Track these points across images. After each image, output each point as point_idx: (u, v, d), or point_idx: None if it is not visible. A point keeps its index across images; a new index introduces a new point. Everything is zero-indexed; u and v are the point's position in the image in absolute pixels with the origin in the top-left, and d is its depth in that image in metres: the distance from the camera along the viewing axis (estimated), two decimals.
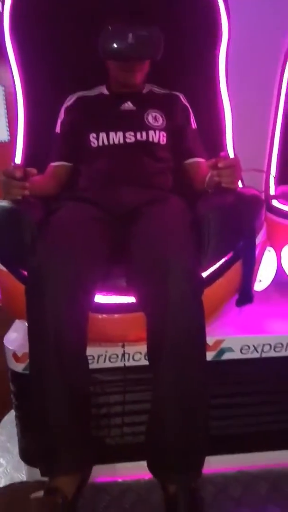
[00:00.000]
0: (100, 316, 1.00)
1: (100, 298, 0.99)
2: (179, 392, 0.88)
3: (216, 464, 1.11)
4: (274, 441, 1.22)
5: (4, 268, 1.03)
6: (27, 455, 1.21)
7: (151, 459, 0.95)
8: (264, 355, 1.13)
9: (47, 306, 0.87)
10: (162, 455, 0.92)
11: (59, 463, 0.90)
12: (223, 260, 1.01)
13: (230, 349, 1.12)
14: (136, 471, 1.16)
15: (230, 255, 1.01)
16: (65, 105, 1.36)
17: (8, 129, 4.22)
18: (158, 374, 0.90)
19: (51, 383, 0.89)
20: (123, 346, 1.07)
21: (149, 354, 0.94)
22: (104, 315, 1.00)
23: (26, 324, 1.18)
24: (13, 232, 0.99)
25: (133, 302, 0.99)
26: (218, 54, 1.39)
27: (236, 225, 0.98)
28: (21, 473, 1.27)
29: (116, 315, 1.00)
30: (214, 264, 1.00)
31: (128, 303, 1.00)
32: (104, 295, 0.99)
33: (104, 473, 1.16)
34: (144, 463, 1.02)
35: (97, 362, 1.10)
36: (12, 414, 1.51)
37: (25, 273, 0.99)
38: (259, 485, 1.16)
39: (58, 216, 1.04)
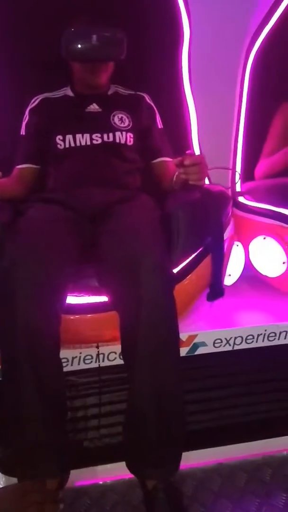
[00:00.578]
0: (72, 317, 0.99)
1: (72, 299, 0.99)
2: (154, 389, 0.89)
3: (194, 459, 1.13)
4: (250, 432, 1.24)
5: None
6: (3, 464, 1.18)
7: (128, 457, 0.96)
8: (236, 347, 1.16)
9: (18, 309, 0.85)
10: (139, 451, 0.92)
11: (36, 472, 0.89)
12: (192, 255, 1.03)
13: (203, 344, 1.13)
14: (116, 472, 1.16)
15: (199, 250, 1.03)
16: (29, 107, 1.35)
17: None
18: (133, 371, 0.91)
19: (24, 389, 0.87)
20: (97, 346, 1.06)
21: (123, 352, 0.95)
22: (77, 316, 0.99)
23: None
24: None
25: (105, 302, 0.99)
26: (181, 53, 1.41)
27: (204, 221, 1.00)
28: None
29: (89, 315, 1.00)
30: (184, 260, 1.02)
31: (100, 303, 1.00)
32: (76, 295, 0.99)
33: (84, 477, 1.15)
34: (123, 464, 1.03)
35: (71, 364, 1.08)
36: None
37: None
38: (238, 476, 1.19)
39: (27, 217, 1.03)
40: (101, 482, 1.18)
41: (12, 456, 0.95)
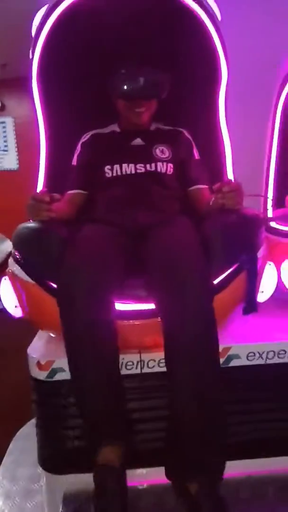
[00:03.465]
0: (120, 323, 1.09)
1: (121, 306, 1.10)
2: (198, 395, 0.96)
3: (226, 470, 1.16)
4: (280, 447, 1.26)
5: (32, 281, 1.14)
6: (47, 463, 1.26)
7: (171, 463, 1.03)
8: (268, 361, 1.21)
9: (78, 307, 0.98)
10: (183, 456, 0.99)
11: (101, 437, 1.00)
12: (228, 271, 1.12)
13: (237, 356, 1.20)
14: (152, 476, 1.22)
15: (234, 267, 1.12)
16: (81, 141, 1.52)
17: (18, 159, 4.45)
18: (176, 376, 0.99)
19: (89, 370, 1.00)
20: (139, 352, 1.15)
21: (166, 357, 1.03)
22: (125, 322, 1.10)
23: (50, 334, 1.29)
24: (43, 248, 1.11)
25: (150, 309, 1.09)
26: (218, 92, 1.54)
27: (239, 240, 1.10)
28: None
29: (135, 321, 1.10)
30: (221, 275, 1.12)
31: (146, 310, 1.10)
32: (124, 303, 1.10)
33: None
34: (159, 469, 1.09)
35: None
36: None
37: (53, 285, 1.10)
38: (267, 489, 1.22)
39: (82, 234, 1.18)
40: (138, 485, 1.25)
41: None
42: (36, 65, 1.45)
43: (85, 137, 1.52)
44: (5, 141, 4.21)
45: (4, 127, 4.21)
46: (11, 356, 2.96)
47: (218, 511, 0.94)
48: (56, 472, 1.24)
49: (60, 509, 1.21)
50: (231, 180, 1.24)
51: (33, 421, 1.86)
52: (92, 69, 1.54)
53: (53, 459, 1.25)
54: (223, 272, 1.11)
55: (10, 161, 4.23)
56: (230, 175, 1.54)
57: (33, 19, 1.49)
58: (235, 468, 1.21)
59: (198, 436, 0.97)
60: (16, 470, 1.57)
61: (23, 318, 1.25)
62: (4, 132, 4.22)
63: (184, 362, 0.97)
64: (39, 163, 1.59)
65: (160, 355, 1.12)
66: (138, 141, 1.47)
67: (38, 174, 1.57)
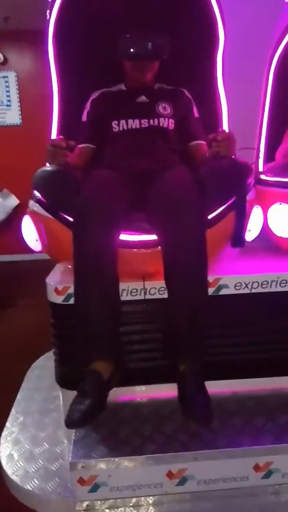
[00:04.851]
0: (127, 251, 1.28)
1: (127, 237, 1.28)
2: (188, 302, 1.18)
3: (214, 388, 1.27)
4: (261, 369, 1.45)
5: (51, 217, 1.32)
6: (64, 380, 1.45)
7: (168, 352, 1.26)
8: (253, 290, 1.39)
9: (89, 233, 1.17)
10: (175, 345, 1.21)
11: (97, 349, 1.19)
12: (220, 209, 1.30)
13: (226, 286, 1.37)
14: (151, 392, 1.43)
15: (226, 205, 1.30)
16: (91, 99, 1.67)
17: (21, 113, 4.40)
18: (172, 288, 1.19)
19: (91, 289, 1.18)
20: (143, 280, 1.33)
21: (165, 275, 1.22)
22: (130, 250, 1.28)
23: (67, 266, 1.47)
24: (60, 187, 1.29)
25: (153, 239, 1.27)
26: (216, 55, 1.69)
27: (230, 180, 1.28)
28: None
29: (139, 250, 1.28)
30: (213, 212, 1.29)
31: (148, 240, 1.28)
32: (130, 234, 1.28)
33: (125, 394, 1.42)
34: (157, 386, 1.28)
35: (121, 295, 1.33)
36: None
37: (69, 218, 1.28)
38: (248, 402, 1.43)
39: (93, 174, 1.35)
40: (138, 399, 1.46)
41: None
42: (52, 25, 1.59)
43: (94, 95, 1.67)
44: (8, 96, 4.09)
45: (6, 81, 4.08)
46: (24, 304, 3.24)
47: (197, 380, 1.18)
48: (71, 387, 1.37)
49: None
50: (224, 130, 1.39)
51: (47, 354, 2.12)
52: (101, 32, 1.67)
53: (68, 376, 1.42)
54: (215, 209, 1.29)
55: (13, 116, 4.11)
56: (225, 128, 1.70)
57: None
58: (222, 387, 1.44)
59: (186, 331, 1.18)
60: (34, 393, 1.80)
61: (42, 251, 1.43)
62: (7, 87, 4.09)
63: (179, 277, 1.17)
64: (43, 119, 1.72)
65: (160, 283, 1.30)
66: (142, 98, 1.62)
67: (41, 129, 1.70)
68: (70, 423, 1.10)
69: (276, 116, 1.76)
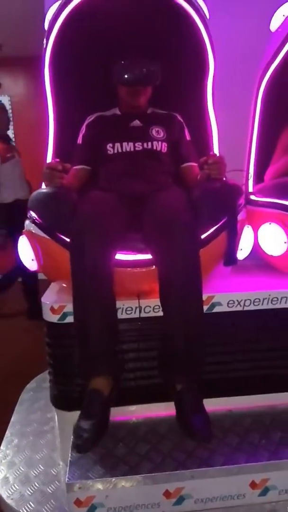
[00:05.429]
0: (122, 270, 1.30)
1: (122, 256, 1.31)
2: (184, 320, 1.20)
3: (209, 406, 1.28)
4: (255, 386, 1.47)
5: (48, 237, 1.34)
6: (59, 401, 1.44)
7: (165, 372, 1.26)
8: (246, 308, 1.41)
9: (87, 255, 1.19)
10: (172, 364, 1.22)
11: (97, 367, 1.20)
12: (212, 229, 1.34)
13: (219, 303, 1.40)
14: (146, 411, 1.43)
15: (217, 225, 1.34)
16: (86, 122, 1.73)
17: (14, 136, 4.53)
18: (168, 308, 1.22)
19: (90, 308, 1.20)
20: (138, 299, 1.35)
21: (161, 295, 1.25)
22: (126, 270, 1.31)
23: (61, 285, 1.49)
24: (56, 208, 1.32)
25: (148, 259, 1.30)
26: (206, 80, 1.76)
27: (222, 202, 1.32)
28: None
29: (134, 269, 1.31)
30: (206, 232, 1.33)
31: (143, 260, 1.31)
32: (125, 254, 1.31)
33: (121, 414, 1.41)
34: (153, 405, 1.29)
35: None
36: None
37: (65, 239, 1.31)
38: (244, 420, 1.44)
39: (89, 197, 1.39)
40: (134, 419, 1.45)
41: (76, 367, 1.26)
42: (49, 53, 1.65)
43: (90, 118, 1.72)
44: None
45: None
46: (17, 322, 3.23)
47: (195, 400, 1.20)
48: (67, 408, 1.41)
49: (71, 442, 1.35)
50: (215, 153, 1.45)
51: (40, 375, 2.11)
52: (97, 60, 1.74)
53: (64, 397, 1.43)
54: (208, 229, 1.33)
55: None
56: (216, 152, 1.76)
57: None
58: (218, 404, 1.45)
59: (183, 350, 1.20)
60: (28, 416, 1.79)
61: (38, 271, 1.45)
62: None
63: (175, 296, 1.20)
64: (36, 142, 1.77)
65: (155, 301, 1.32)
66: (136, 122, 1.68)
67: (33, 152, 1.75)
68: (78, 446, 1.11)
69: (264, 139, 1.83)
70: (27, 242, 1.40)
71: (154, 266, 1.29)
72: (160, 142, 1.64)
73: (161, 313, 1.29)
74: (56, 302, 1.37)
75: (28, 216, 1.42)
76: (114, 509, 1.23)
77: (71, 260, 1.23)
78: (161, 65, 1.61)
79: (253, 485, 1.25)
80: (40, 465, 1.47)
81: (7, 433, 1.67)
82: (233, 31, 1.90)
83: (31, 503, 1.31)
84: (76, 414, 1.22)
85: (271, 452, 1.29)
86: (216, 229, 1.34)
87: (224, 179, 1.41)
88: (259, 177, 1.80)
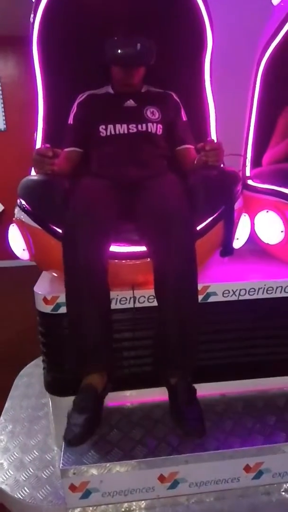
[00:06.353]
0: (116, 262, 1.28)
1: (117, 248, 1.28)
2: (179, 313, 1.18)
3: (203, 390, 1.31)
4: (248, 371, 1.49)
5: (38, 226, 1.30)
6: (53, 387, 1.45)
7: (158, 365, 1.26)
8: (240, 298, 1.41)
9: (79, 248, 1.15)
10: (166, 357, 1.22)
11: (92, 363, 1.19)
12: (209, 219, 1.31)
13: (214, 293, 1.39)
14: (141, 396, 1.45)
15: (214, 215, 1.31)
16: (77, 101, 1.63)
17: (5, 118, 4.40)
18: (163, 301, 1.20)
19: (84, 303, 1.17)
20: (132, 289, 1.33)
21: (156, 288, 1.23)
22: (120, 262, 1.28)
23: (53, 274, 1.46)
24: (47, 197, 1.27)
25: (142, 251, 1.27)
26: (204, 58, 1.68)
27: (219, 191, 1.28)
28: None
29: (129, 261, 1.29)
30: (202, 222, 1.30)
31: (138, 251, 1.28)
32: (120, 246, 1.28)
33: (116, 399, 1.43)
34: (147, 390, 1.28)
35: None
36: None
37: (56, 229, 1.27)
38: (237, 404, 1.46)
39: (81, 185, 1.33)
40: (128, 404, 1.47)
41: (70, 359, 1.24)
42: (37, 28, 1.54)
43: (81, 97, 1.63)
44: None
45: None
46: (12, 307, 3.19)
47: (189, 393, 1.20)
48: (60, 394, 1.42)
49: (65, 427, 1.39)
50: (213, 139, 1.39)
51: (35, 361, 2.11)
52: (87, 35, 1.64)
53: (57, 383, 1.43)
54: (204, 220, 1.30)
55: None
56: (213, 135, 1.70)
57: None
58: (212, 389, 1.47)
59: (178, 343, 1.20)
60: (22, 401, 1.79)
61: (30, 260, 1.41)
62: None
63: (170, 290, 1.17)
64: (27, 123, 1.68)
65: (149, 292, 1.31)
66: (130, 102, 1.59)
67: (25, 134, 1.67)
68: (70, 440, 1.11)
69: (263, 121, 1.77)
70: (17, 231, 1.36)
71: (148, 259, 1.26)
72: (155, 124, 1.57)
73: (155, 303, 1.27)
74: (49, 293, 1.34)
75: (18, 203, 1.37)
76: (108, 494, 1.26)
77: (64, 253, 1.19)
78: (156, 40, 1.51)
79: (247, 468, 1.28)
80: (34, 451, 1.49)
81: (1, 419, 1.68)
82: (233, 4, 1.79)
83: (25, 488, 1.33)
84: (70, 399, 1.22)
85: (264, 436, 1.31)
86: (212, 219, 1.31)
87: (222, 165, 1.36)
88: (256, 161, 1.75)
